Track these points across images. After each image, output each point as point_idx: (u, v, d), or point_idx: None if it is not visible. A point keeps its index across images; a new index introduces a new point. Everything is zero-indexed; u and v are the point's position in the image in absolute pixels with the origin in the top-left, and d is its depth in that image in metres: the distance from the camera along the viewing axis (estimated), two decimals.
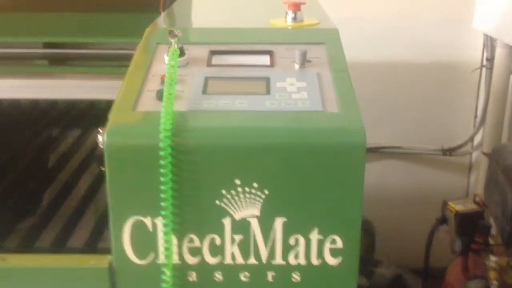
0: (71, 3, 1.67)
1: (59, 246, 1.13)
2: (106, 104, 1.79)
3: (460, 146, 2.27)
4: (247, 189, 0.81)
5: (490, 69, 2.07)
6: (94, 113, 1.77)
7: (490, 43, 2.06)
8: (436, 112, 2.27)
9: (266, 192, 0.81)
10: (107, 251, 0.87)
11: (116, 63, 1.67)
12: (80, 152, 1.60)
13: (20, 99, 1.75)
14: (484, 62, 2.12)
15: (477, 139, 2.23)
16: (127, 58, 1.70)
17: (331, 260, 0.85)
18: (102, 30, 1.67)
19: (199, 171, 0.80)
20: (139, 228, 0.82)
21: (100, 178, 1.38)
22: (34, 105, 1.79)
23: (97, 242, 1.15)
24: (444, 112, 2.27)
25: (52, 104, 1.79)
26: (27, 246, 1.12)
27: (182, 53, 0.92)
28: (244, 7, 1.35)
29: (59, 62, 1.69)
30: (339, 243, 0.84)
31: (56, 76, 1.63)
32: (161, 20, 1.21)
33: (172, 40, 0.90)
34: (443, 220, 1.66)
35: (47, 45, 1.69)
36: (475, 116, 2.23)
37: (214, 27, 1.09)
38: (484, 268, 1.50)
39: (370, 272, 2.12)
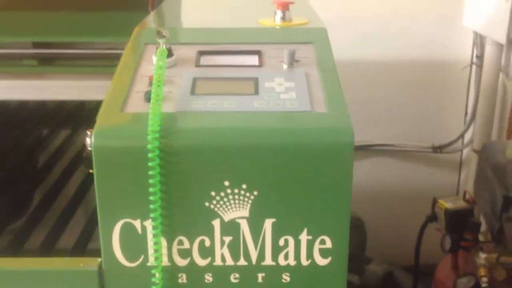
0: (59, 2, 1.66)
1: (49, 247, 1.12)
2: (95, 104, 1.79)
3: (451, 144, 2.27)
4: (236, 190, 0.81)
5: (480, 66, 2.08)
6: (83, 114, 1.76)
7: (479, 40, 2.07)
8: (427, 109, 2.28)
9: (255, 193, 0.81)
10: (97, 252, 0.87)
11: (105, 63, 1.66)
12: (69, 152, 1.59)
13: (9, 100, 1.74)
14: (474, 60, 2.12)
15: (468, 136, 2.24)
16: (116, 57, 1.68)
17: (321, 260, 0.85)
18: (91, 30, 1.65)
19: (188, 172, 0.80)
20: (128, 230, 0.82)
21: (89, 179, 1.38)
22: (23, 105, 1.78)
23: (87, 243, 1.14)
24: (435, 109, 2.28)
25: (41, 105, 1.78)
26: (16, 248, 1.12)
27: (170, 53, 0.92)
28: (232, 6, 1.34)
29: (48, 62, 1.68)
30: (328, 243, 0.84)
31: (45, 76, 1.62)
32: (150, 20, 1.20)
33: (160, 41, 0.90)
34: (433, 218, 1.66)
35: (36, 45, 1.68)
36: (466, 114, 2.24)
37: (203, 27, 1.09)
38: (474, 265, 1.51)
39: (361, 270, 2.13)
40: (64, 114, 1.77)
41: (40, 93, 1.60)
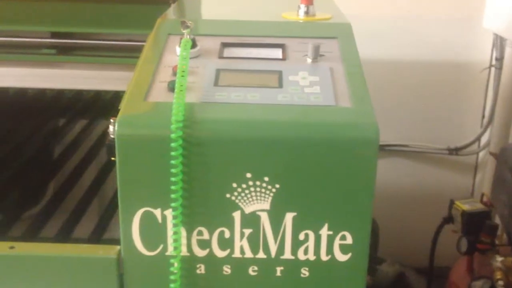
0: None
1: (64, 236, 1.12)
2: (113, 95, 1.79)
3: (467, 146, 2.26)
4: (258, 182, 0.80)
5: (499, 69, 2.06)
6: (101, 104, 1.76)
7: (499, 42, 2.05)
8: (444, 111, 2.26)
9: (277, 186, 0.80)
10: (112, 242, 0.87)
11: (124, 54, 1.67)
12: (86, 142, 1.59)
13: (27, 88, 1.75)
14: (493, 62, 2.11)
15: (484, 139, 2.22)
16: (135, 49, 1.70)
17: (341, 256, 0.84)
18: (110, 21, 1.66)
19: (210, 163, 0.80)
20: (148, 219, 0.82)
21: (106, 169, 1.38)
22: (41, 95, 1.78)
23: (102, 233, 1.14)
24: (452, 111, 2.26)
25: (59, 94, 1.78)
26: (32, 236, 1.12)
27: (194, 44, 0.91)
28: (255, 0, 1.34)
29: (66, 52, 1.69)
30: (349, 239, 0.84)
31: (63, 66, 1.63)
32: (171, 11, 1.20)
33: (185, 31, 0.89)
34: (449, 219, 1.65)
35: (55, 35, 1.69)
36: (483, 116, 2.22)
37: (225, 19, 1.08)
38: (490, 268, 1.49)
39: (373, 270, 2.12)
40: (81, 105, 1.77)
41: (58, 82, 1.61)
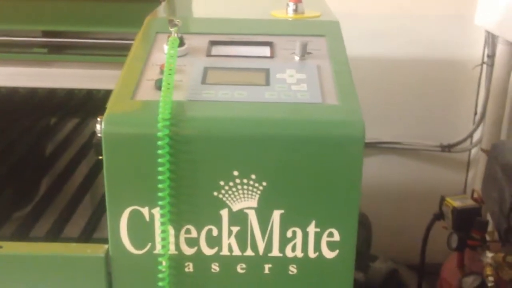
0: None
1: (55, 236, 1.13)
2: (104, 93, 1.79)
3: (459, 143, 2.27)
4: (245, 180, 0.80)
5: (491, 66, 2.07)
6: (92, 103, 1.76)
7: (491, 40, 2.05)
8: (436, 108, 2.27)
9: (264, 183, 0.81)
10: (103, 241, 0.87)
11: (115, 53, 1.66)
12: (77, 141, 1.59)
13: (19, 87, 1.75)
14: (485, 59, 2.11)
15: (476, 136, 2.23)
16: (126, 47, 1.69)
17: (328, 253, 0.85)
18: (101, 19, 1.66)
19: (197, 161, 0.80)
20: (136, 218, 0.82)
21: (96, 168, 1.38)
22: (33, 94, 1.78)
23: (92, 232, 1.14)
24: (444, 108, 2.27)
25: (51, 93, 1.78)
26: (23, 234, 1.12)
27: (181, 42, 0.91)
28: None
29: (58, 50, 1.68)
30: (336, 236, 0.84)
31: (55, 64, 1.63)
32: (161, 10, 1.20)
33: (172, 30, 0.89)
34: (440, 216, 1.66)
35: (46, 34, 1.69)
36: (475, 113, 2.23)
37: (214, 17, 1.08)
38: (480, 264, 1.50)
39: (365, 267, 2.13)
40: (73, 103, 1.77)
41: (50, 81, 1.61)
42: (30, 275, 0.87)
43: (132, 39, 1.67)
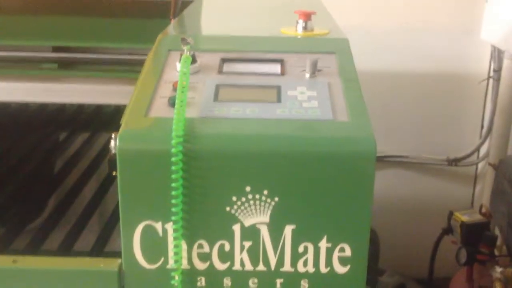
0: (80, 7, 1.68)
1: (65, 250, 1.13)
2: (113, 108, 1.81)
3: (466, 157, 2.27)
4: (257, 196, 0.81)
5: (497, 80, 2.08)
6: (102, 118, 1.78)
7: (497, 54, 2.07)
8: (442, 122, 2.28)
9: (276, 199, 0.82)
10: (114, 254, 0.88)
11: (124, 68, 1.69)
12: (87, 156, 1.61)
13: (29, 102, 1.77)
14: (491, 73, 2.12)
15: (483, 150, 2.23)
16: (135, 63, 1.72)
17: (340, 268, 0.85)
18: (111, 35, 1.68)
19: (210, 177, 0.81)
20: (149, 232, 0.83)
21: (107, 182, 1.39)
22: (42, 109, 1.80)
23: (104, 246, 1.15)
24: (451, 122, 2.28)
25: (60, 108, 1.80)
26: (35, 248, 1.13)
27: (193, 60, 0.93)
28: (254, 15, 1.36)
29: (67, 66, 1.70)
30: (348, 252, 0.85)
31: (64, 80, 1.64)
32: (172, 27, 1.22)
33: (185, 48, 0.91)
34: (448, 230, 1.66)
35: (56, 49, 1.71)
36: (482, 127, 2.24)
37: (225, 35, 1.10)
38: (489, 279, 1.50)
39: (374, 281, 2.12)
40: (82, 118, 1.79)
41: (60, 96, 1.63)
42: None
43: (142, 55, 1.69)
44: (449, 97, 2.25)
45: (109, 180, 1.40)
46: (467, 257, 1.54)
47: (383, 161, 2.29)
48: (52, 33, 1.70)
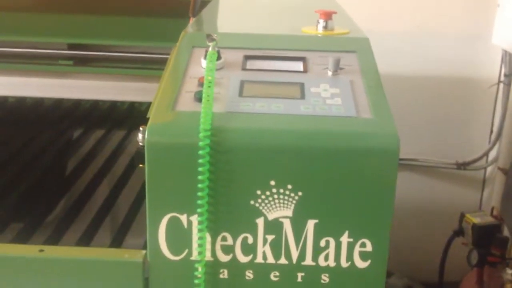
0: (96, 6, 1.70)
1: (85, 244, 1.14)
2: (128, 105, 1.82)
3: (475, 161, 2.28)
4: (281, 190, 0.83)
5: (508, 85, 2.09)
6: (116, 114, 1.79)
7: (508, 59, 2.08)
8: (452, 126, 2.28)
9: (300, 193, 0.83)
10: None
11: (140, 66, 1.70)
12: (102, 152, 1.62)
13: (44, 98, 1.78)
14: (502, 78, 2.13)
15: (492, 154, 2.24)
16: (151, 61, 1.73)
17: (360, 263, 0.86)
18: (126, 34, 1.70)
19: (235, 171, 0.82)
20: (175, 224, 0.84)
21: (120, 182, 1.40)
22: (58, 104, 1.82)
23: (119, 245, 1.16)
24: (460, 126, 2.29)
25: (76, 104, 1.81)
26: (53, 242, 1.14)
27: (218, 56, 0.94)
28: (272, 15, 1.37)
29: (83, 63, 1.72)
30: (369, 247, 0.86)
31: (80, 76, 1.66)
32: (192, 26, 1.23)
33: (210, 44, 0.92)
34: (459, 232, 1.67)
35: (72, 47, 1.73)
36: (491, 132, 2.25)
37: (247, 33, 1.11)
38: (499, 281, 1.51)
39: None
40: (97, 115, 1.80)
41: (75, 92, 1.64)
42: (68, 279, 0.89)
43: (157, 53, 1.70)
44: (459, 101, 2.26)
45: (124, 178, 1.41)
46: (478, 259, 1.55)
47: None
48: (68, 31, 1.72)
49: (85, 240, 1.14)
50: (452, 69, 2.22)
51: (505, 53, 2.09)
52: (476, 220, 1.59)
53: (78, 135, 1.73)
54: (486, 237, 1.56)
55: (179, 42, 1.04)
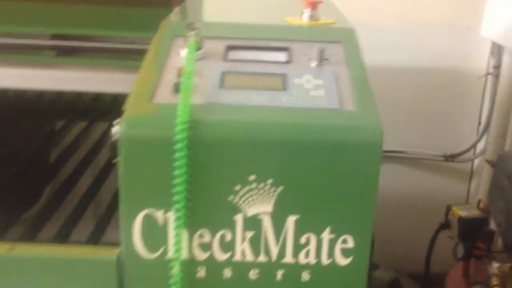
0: None
1: (62, 239, 1.12)
2: (112, 97, 1.79)
3: (463, 153, 2.27)
4: (261, 185, 0.80)
5: (496, 77, 2.07)
6: (100, 106, 1.76)
7: (497, 50, 2.06)
8: (440, 118, 2.27)
9: (281, 188, 0.80)
10: (110, 245, 0.86)
11: (124, 56, 1.67)
12: (85, 144, 1.59)
13: (26, 89, 1.74)
14: (490, 70, 2.12)
15: (480, 146, 2.23)
16: (135, 52, 1.69)
17: (342, 260, 0.84)
18: (110, 24, 1.66)
19: (215, 165, 0.80)
20: (150, 221, 0.81)
21: (103, 174, 1.37)
22: (40, 96, 1.78)
23: (99, 236, 1.14)
24: (448, 118, 2.27)
25: (58, 96, 1.78)
26: (30, 238, 1.11)
27: (199, 46, 0.91)
28: (256, 4, 1.34)
29: (66, 53, 1.69)
30: (350, 243, 0.84)
31: (62, 67, 1.63)
32: (175, 15, 1.20)
33: (191, 33, 0.89)
34: (446, 225, 1.65)
35: (55, 37, 1.69)
36: (479, 124, 2.23)
37: (230, 22, 1.08)
38: (485, 274, 1.50)
39: (367, 275, 2.12)
40: (80, 107, 1.77)
41: (58, 84, 1.61)
42: (41, 278, 0.86)
43: (141, 43, 1.67)
44: (446, 93, 2.24)
45: (106, 171, 1.38)
46: (464, 252, 1.53)
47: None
48: (51, 21, 1.68)
49: (65, 232, 1.11)
50: (440, 61, 2.20)
51: (494, 45, 2.07)
52: (462, 213, 1.57)
53: (60, 127, 1.71)
54: (472, 230, 1.54)
55: (159, 31, 1.01)
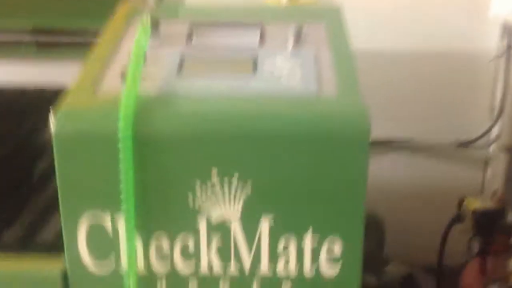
0: None
1: (28, 241, 1.02)
2: None
3: (476, 139, 2.15)
4: (226, 183, 0.69)
5: (509, 59, 1.95)
6: None
7: (509, 31, 1.94)
8: (451, 103, 2.16)
9: (249, 184, 0.68)
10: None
11: None
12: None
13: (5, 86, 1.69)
14: (502, 51, 2.00)
15: (494, 132, 2.12)
16: None
17: (328, 270, 0.72)
18: (96, 16, 1.60)
19: (168, 163, 0.68)
20: (96, 226, 0.70)
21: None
22: (21, 93, 1.72)
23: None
24: (459, 103, 2.16)
25: (39, 93, 1.72)
26: None
27: (156, 29, 0.80)
28: None
29: (46, 47, 1.62)
30: (338, 248, 0.72)
31: (43, 62, 1.57)
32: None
33: (145, 14, 0.78)
34: (459, 218, 1.54)
35: (34, 31, 1.62)
36: (493, 108, 2.12)
37: (197, 2, 0.97)
38: (504, 270, 1.39)
39: (379, 270, 2.03)
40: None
41: (38, 79, 1.54)
42: None
43: None
44: (456, 77, 2.13)
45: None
46: (480, 248, 1.42)
47: (388, 145, 2.18)
48: (32, 13, 1.62)
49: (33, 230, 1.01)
50: (449, 43, 2.09)
51: (505, 24, 1.95)
52: (477, 205, 1.45)
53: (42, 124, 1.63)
54: (488, 224, 1.43)
55: (115, 14, 0.89)
